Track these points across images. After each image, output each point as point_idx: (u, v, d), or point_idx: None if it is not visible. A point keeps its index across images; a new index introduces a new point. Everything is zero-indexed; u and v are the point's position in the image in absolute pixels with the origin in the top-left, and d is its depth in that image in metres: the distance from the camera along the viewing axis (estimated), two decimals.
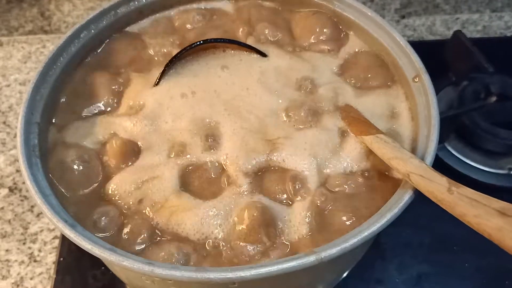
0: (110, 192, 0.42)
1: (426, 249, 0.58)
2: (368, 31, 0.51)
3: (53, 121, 0.47)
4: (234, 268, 0.34)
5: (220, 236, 0.40)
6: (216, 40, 0.51)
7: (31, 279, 0.58)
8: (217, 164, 0.43)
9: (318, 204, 0.41)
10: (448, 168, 0.63)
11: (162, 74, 0.48)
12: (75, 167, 0.43)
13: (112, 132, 0.45)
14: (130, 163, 0.44)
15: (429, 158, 0.39)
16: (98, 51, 0.52)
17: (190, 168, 0.43)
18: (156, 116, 0.46)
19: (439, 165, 0.56)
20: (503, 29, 0.84)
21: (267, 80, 0.49)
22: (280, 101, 0.47)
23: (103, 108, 0.48)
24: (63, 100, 0.48)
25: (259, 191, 0.42)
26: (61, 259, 0.58)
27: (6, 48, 0.83)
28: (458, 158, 0.64)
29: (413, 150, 0.43)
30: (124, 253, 0.35)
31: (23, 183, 0.60)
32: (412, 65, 0.47)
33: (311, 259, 0.34)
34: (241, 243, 0.39)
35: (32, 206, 0.64)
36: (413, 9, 0.85)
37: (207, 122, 0.45)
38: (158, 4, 0.55)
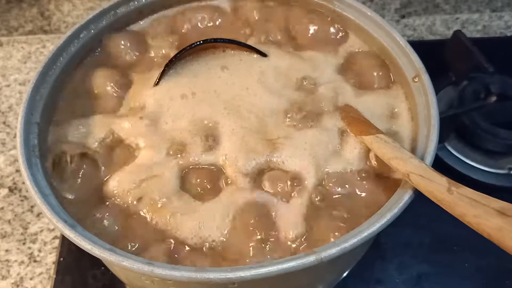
0: (109, 192, 0.42)
1: (426, 249, 0.58)
2: (368, 31, 0.51)
3: (53, 121, 0.46)
4: (233, 268, 0.34)
5: (218, 237, 0.40)
6: (216, 40, 0.50)
7: (31, 279, 0.58)
8: (217, 164, 0.43)
9: (318, 204, 0.41)
10: (448, 168, 0.63)
11: (162, 74, 0.48)
12: (75, 167, 0.43)
13: (112, 132, 0.45)
14: (130, 163, 0.44)
15: (429, 158, 0.39)
16: (98, 51, 0.52)
17: (190, 168, 0.43)
18: (156, 116, 0.46)
19: (439, 165, 0.56)
20: (503, 29, 0.84)
21: (267, 80, 0.48)
22: (280, 101, 0.47)
23: (103, 108, 0.48)
24: (63, 100, 0.48)
25: (259, 191, 0.42)
26: (61, 259, 0.58)
27: (6, 48, 0.83)
28: (458, 158, 0.64)
29: (413, 150, 0.43)
30: (124, 253, 0.35)
31: (23, 183, 0.60)
32: (412, 65, 0.47)
33: (311, 259, 0.34)
34: (239, 244, 0.39)
35: (32, 206, 0.64)
36: (413, 9, 0.85)
37: (207, 122, 0.45)
38: (158, 4, 0.55)
